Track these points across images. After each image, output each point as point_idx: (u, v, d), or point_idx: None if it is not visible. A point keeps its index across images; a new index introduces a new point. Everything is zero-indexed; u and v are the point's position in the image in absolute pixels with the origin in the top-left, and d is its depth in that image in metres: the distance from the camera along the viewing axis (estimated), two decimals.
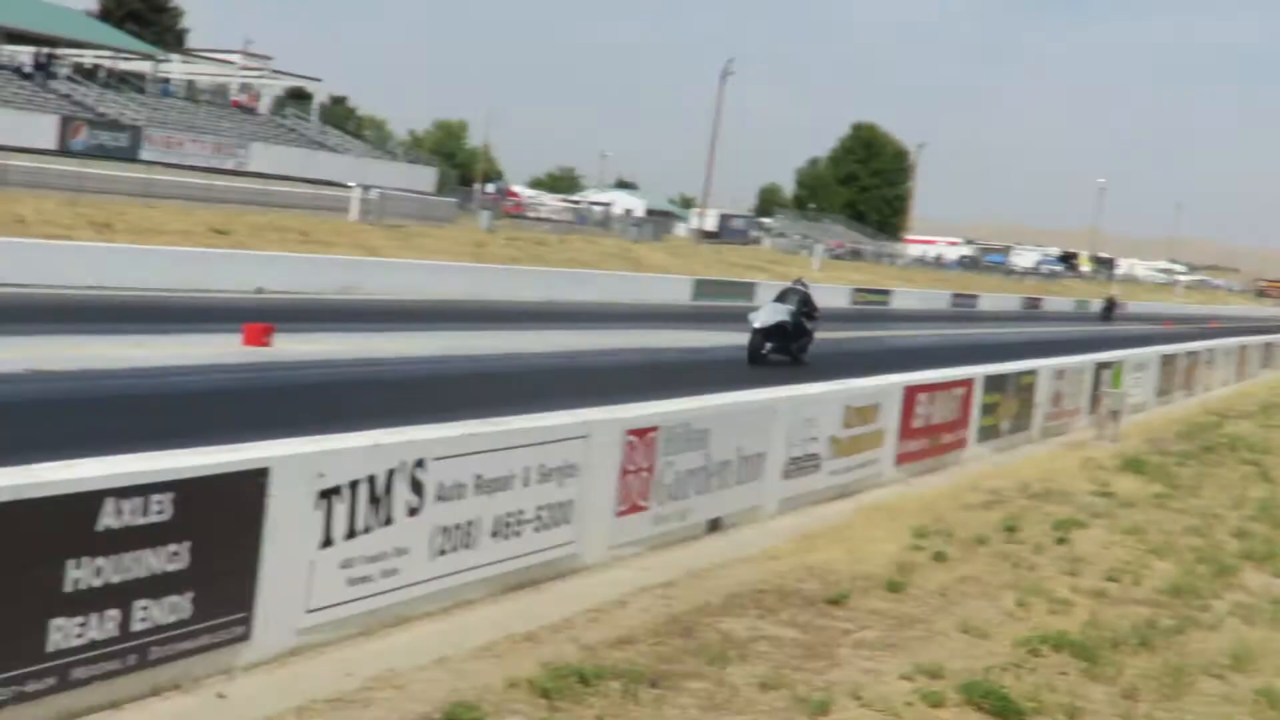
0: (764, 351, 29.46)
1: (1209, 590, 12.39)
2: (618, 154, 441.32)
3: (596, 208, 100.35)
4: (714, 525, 12.63)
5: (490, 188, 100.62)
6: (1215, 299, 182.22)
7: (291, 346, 22.90)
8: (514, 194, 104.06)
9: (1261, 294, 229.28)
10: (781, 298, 31.43)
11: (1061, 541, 13.52)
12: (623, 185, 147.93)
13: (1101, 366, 25.04)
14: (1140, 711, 8.86)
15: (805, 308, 30.97)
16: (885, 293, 79.75)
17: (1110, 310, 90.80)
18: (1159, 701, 9.09)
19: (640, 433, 11.19)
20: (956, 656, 9.32)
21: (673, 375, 24.98)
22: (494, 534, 9.55)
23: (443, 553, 9.06)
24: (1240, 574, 13.30)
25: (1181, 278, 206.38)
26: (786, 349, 30.00)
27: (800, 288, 31.88)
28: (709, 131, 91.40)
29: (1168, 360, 31.49)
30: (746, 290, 64.37)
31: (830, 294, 71.77)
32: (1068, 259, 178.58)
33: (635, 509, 11.24)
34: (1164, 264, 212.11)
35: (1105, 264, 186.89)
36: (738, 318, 32.60)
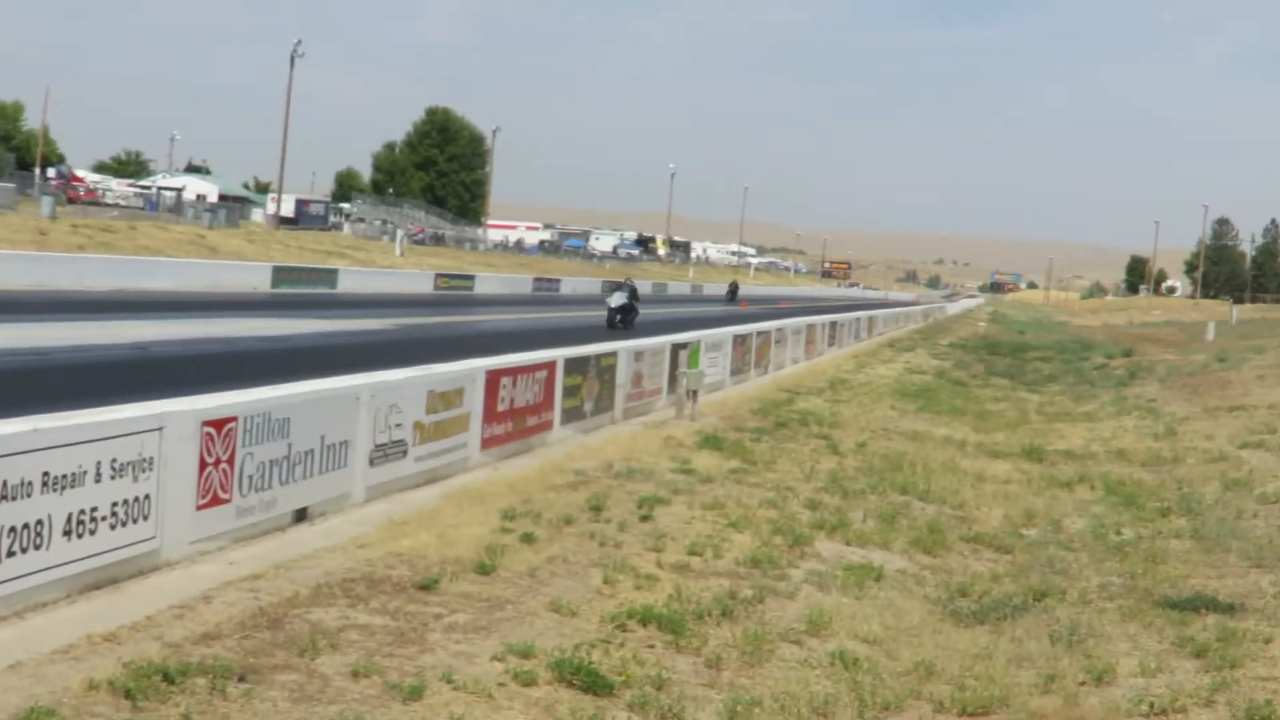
0: (616, 321, 45.02)
1: (785, 560, 12.94)
2: (188, 137, 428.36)
3: (167, 193, 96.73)
4: (301, 515, 12.41)
5: (52, 172, 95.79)
6: (785, 280, 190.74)
7: None
8: (78, 179, 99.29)
9: (827, 275, 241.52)
10: (619, 288, 48.31)
11: (645, 519, 13.84)
12: (194, 169, 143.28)
13: (678, 347, 25.74)
14: (724, 680, 9.18)
15: (634, 295, 47.46)
16: (469, 278, 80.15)
17: (734, 293, 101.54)
18: (742, 669, 9.44)
19: (218, 424, 10.89)
20: (547, 635, 9.43)
21: (254, 364, 24.44)
22: (67, 533, 9.13)
23: (11, 554, 8.62)
24: (814, 543, 13.93)
25: (753, 260, 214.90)
26: (627, 320, 45.35)
27: (630, 283, 49.76)
28: (282, 114, 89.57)
29: (741, 340, 32.67)
30: (329, 276, 63.62)
31: (414, 280, 71.83)
32: (645, 243, 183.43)
33: (217, 502, 10.94)
34: (735, 247, 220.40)
35: (681, 247, 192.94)
36: (321, 304, 32.45)
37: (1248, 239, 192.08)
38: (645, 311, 49.17)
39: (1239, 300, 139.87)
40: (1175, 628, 11.73)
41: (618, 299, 46.51)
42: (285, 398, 12.24)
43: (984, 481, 19.62)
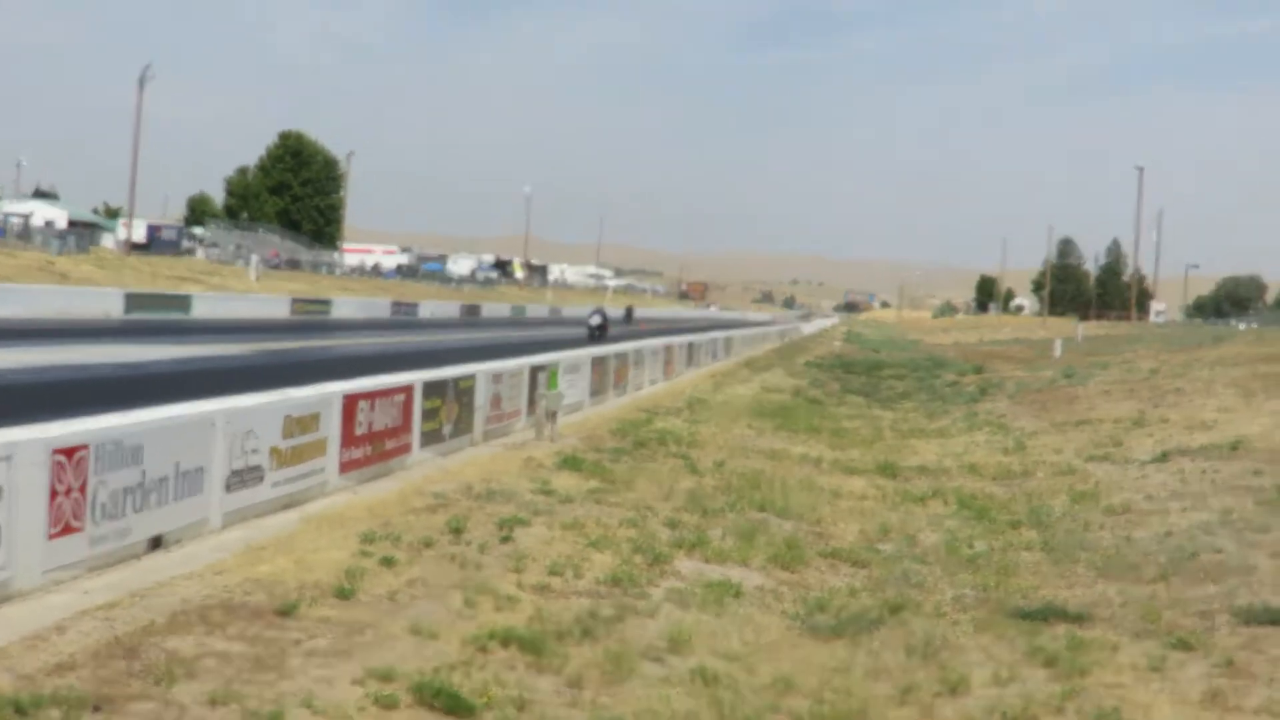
0: (595, 335, 58.89)
1: (646, 579, 13.02)
2: (35, 161, 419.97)
3: (14, 219, 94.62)
4: (156, 543, 12.24)
5: None
6: (642, 302, 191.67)
7: None
8: None
9: (684, 296, 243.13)
10: (596, 312, 65.66)
11: (506, 540, 13.84)
12: (41, 195, 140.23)
13: (537, 369, 25.73)
14: (586, 699, 9.23)
15: (606, 317, 64.67)
16: (325, 302, 79.49)
17: (630, 316, 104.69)
18: (603, 688, 9.49)
19: (69, 451, 10.72)
20: (408, 658, 9.41)
21: (108, 392, 24.02)
22: None
23: None
24: (674, 561, 14.04)
25: (610, 282, 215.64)
26: (604, 335, 59.13)
27: (603, 309, 68.14)
28: (132, 138, 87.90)
29: (599, 361, 32.74)
30: (183, 303, 62.72)
31: (269, 305, 71.03)
32: (502, 266, 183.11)
33: (69, 530, 10.76)
34: (593, 269, 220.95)
35: (538, 270, 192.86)
36: (175, 330, 32.07)
37: (1091, 258, 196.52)
38: (511, 335, 49.33)
39: (1084, 318, 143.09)
40: (1026, 638, 12.00)
41: (596, 319, 63.90)
42: (138, 424, 12.08)
43: (840, 498, 19.89)
